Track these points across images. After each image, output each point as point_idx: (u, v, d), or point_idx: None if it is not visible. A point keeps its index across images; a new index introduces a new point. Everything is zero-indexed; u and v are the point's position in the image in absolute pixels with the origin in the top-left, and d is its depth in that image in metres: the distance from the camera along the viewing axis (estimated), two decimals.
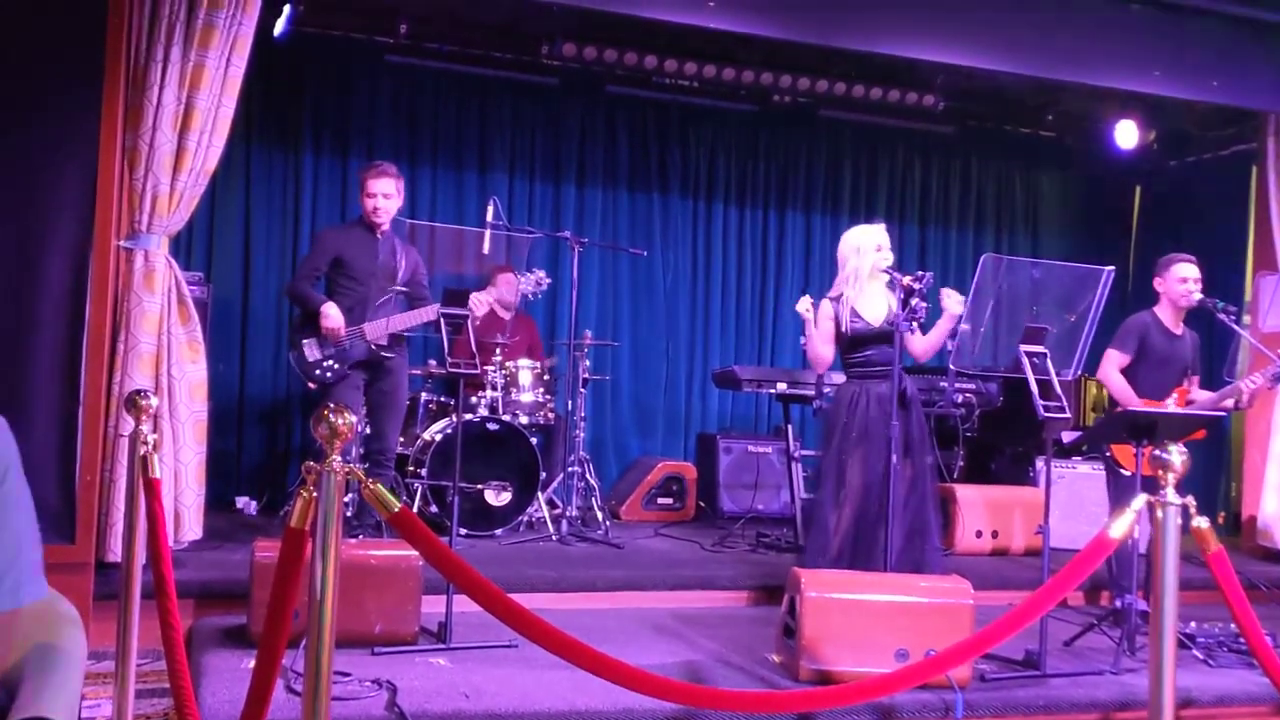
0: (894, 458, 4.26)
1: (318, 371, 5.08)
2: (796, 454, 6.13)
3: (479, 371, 4.42)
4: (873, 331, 4.57)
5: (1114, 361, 5.02)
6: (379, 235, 5.19)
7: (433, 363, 6.39)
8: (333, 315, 5.03)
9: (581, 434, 6.18)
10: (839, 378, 5.03)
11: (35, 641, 1.79)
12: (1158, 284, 5.08)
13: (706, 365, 7.75)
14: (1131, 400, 4.93)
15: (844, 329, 4.58)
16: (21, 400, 4.10)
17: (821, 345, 4.62)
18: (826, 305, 4.63)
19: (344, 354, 5.08)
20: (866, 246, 4.59)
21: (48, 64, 4.17)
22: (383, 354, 5.13)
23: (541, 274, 5.54)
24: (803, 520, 4.87)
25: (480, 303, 4.71)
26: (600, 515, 6.07)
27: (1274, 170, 6.57)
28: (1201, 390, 5.13)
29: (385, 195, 5.11)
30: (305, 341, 5.09)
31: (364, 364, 5.15)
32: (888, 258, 4.59)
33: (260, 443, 6.79)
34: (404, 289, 5.21)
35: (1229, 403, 5.06)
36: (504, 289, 6.50)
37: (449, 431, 5.70)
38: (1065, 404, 4.03)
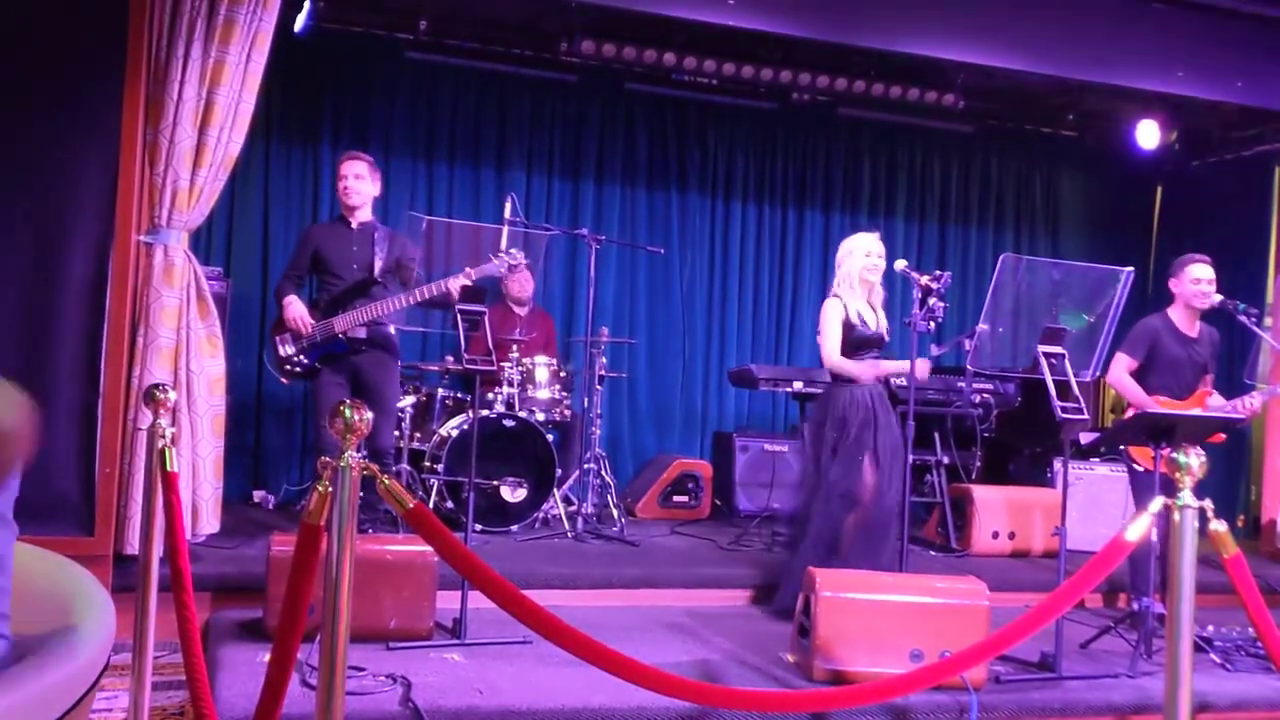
0: (908, 458, 4.33)
1: (287, 366, 5.13)
2: None
3: (495, 368, 4.42)
4: (871, 336, 4.70)
5: (1122, 365, 5.00)
6: (354, 227, 5.21)
7: (449, 358, 6.39)
8: (293, 306, 5.09)
9: (598, 431, 6.18)
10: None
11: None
12: (1173, 284, 5.05)
13: (723, 363, 7.75)
14: (1144, 402, 4.89)
15: (855, 329, 4.66)
16: (42, 393, 4.13)
17: (836, 345, 4.67)
18: (836, 305, 4.71)
19: (314, 348, 5.09)
20: (858, 251, 4.73)
21: (70, 60, 4.20)
22: (358, 346, 5.10)
23: (516, 253, 5.05)
24: (794, 530, 4.91)
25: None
26: (616, 513, 6.07)
27: None
28: (1217, 396, 5.08)
29: (356, 176, 5.17)
30: (278, 338, 5.14)
31: (340, 360, 5.13)
32: (878, 265, 4.71)
33: (278, 437, 6.81)
34: (380, 280, 5.15)
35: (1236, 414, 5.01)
36: (513, 288, 6.53)
37: (465, 427, 5.71)
38: (1083, 405, 4.02)
